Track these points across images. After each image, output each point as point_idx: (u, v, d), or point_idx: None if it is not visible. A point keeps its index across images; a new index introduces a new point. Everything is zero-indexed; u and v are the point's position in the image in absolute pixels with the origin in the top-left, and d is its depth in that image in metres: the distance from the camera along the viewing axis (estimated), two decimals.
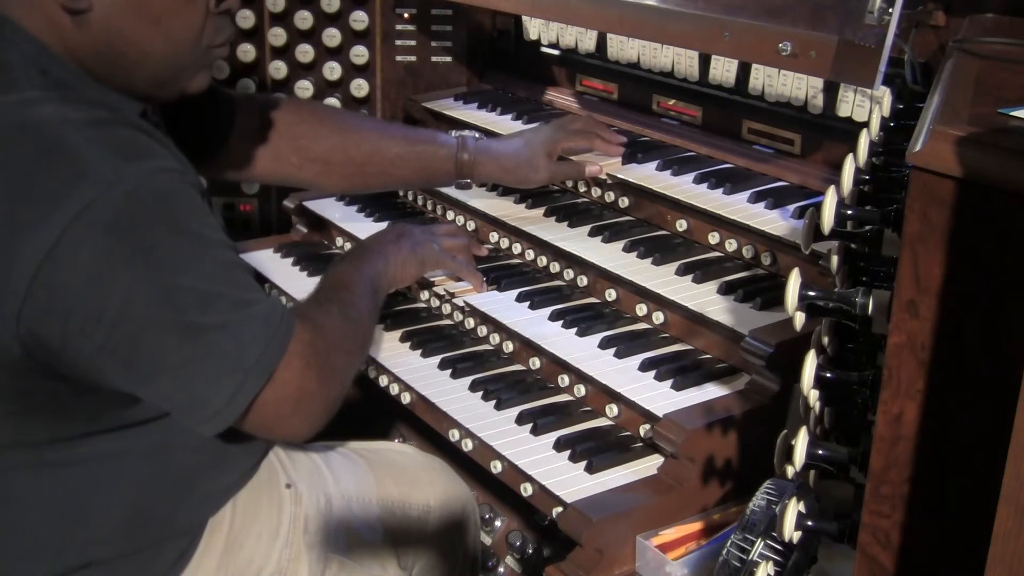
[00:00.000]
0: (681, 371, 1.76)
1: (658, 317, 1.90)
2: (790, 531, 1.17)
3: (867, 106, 1.91)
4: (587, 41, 2.46)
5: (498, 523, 2.26)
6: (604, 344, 1.86)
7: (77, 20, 1.43)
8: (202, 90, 1.60)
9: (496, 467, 1.74)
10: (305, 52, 2.71)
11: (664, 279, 1.92)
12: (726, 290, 1.86)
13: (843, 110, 1.97)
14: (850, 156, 1.37)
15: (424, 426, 1.95)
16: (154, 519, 1.62)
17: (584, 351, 1.85)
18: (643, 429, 1.71)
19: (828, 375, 1.28)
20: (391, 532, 1.87)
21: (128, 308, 1.37)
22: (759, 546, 1.25)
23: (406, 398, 1.94)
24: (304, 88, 2.73)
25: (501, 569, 2.23)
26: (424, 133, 2.26)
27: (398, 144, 2.13)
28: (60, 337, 1.38)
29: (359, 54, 2.71)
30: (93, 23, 1.44)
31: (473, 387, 1.89)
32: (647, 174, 2.14)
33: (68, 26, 1.44)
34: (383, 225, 2.36)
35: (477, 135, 2.21)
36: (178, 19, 1.48)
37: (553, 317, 1.96)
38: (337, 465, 1.88)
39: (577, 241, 2.08)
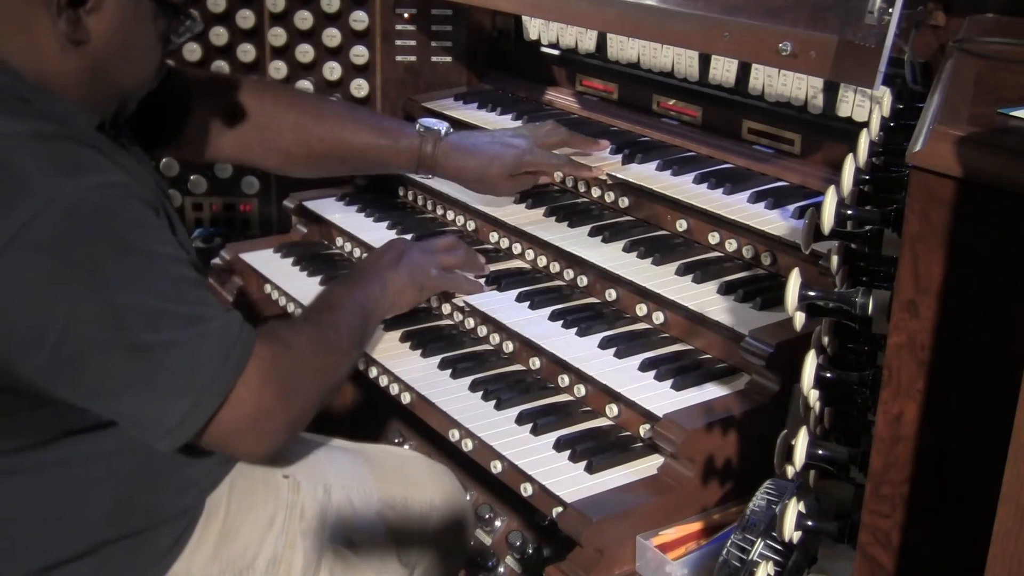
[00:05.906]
0: (681, 371, 1.76)
1: (658, 317, 1.90)
2: (790, 531, 1.17)
3: (867, 106, 1.91)
4: (587, 41, 2.46)
5: (498, 523, 2.26)
6: (604, 344, 1.86)
7: (69, 48, 1.45)
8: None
9: (496, 467, 1.74)
10: (305, 52, 2.71)
11: (664, 279, 1.92)
12: (726, 290, 1.85)
13: (843, 110, 1.97)
14: (850, 156, 1.37)
15: (424, 426, 1.94)
16: (139, 509, 1.61)
17: (584, 351, 1.85)
18: (643, 429, 1.71)
19: (828, 375, 1.28)
20: (392, 527, 1.86)
21: (71, 328, 1.36)
22: (759, 546, 1.25)
23: (406, 398, 1.94)
24: (304, 88, 2.73)
25: (501, 569, 2.23)
26: (391, 126, 2.24)
27: (362, 136, 2.17)
28: (5, 356, 1.37)
29: (359, 54, 2.71)
30: (86, 53, 1.46)
31: (473, 387, 1.89)
32: (647, 174, 2.14)
33: (54, 51, 1.44)
34: (383, 225, 2.36)
35: (448, 128, 2.22)
36: (151, 53, 1.57)
37: (553, 317, 1.96)
38: (339, 458, 1.88)
39: (577, 241, 2.07)
